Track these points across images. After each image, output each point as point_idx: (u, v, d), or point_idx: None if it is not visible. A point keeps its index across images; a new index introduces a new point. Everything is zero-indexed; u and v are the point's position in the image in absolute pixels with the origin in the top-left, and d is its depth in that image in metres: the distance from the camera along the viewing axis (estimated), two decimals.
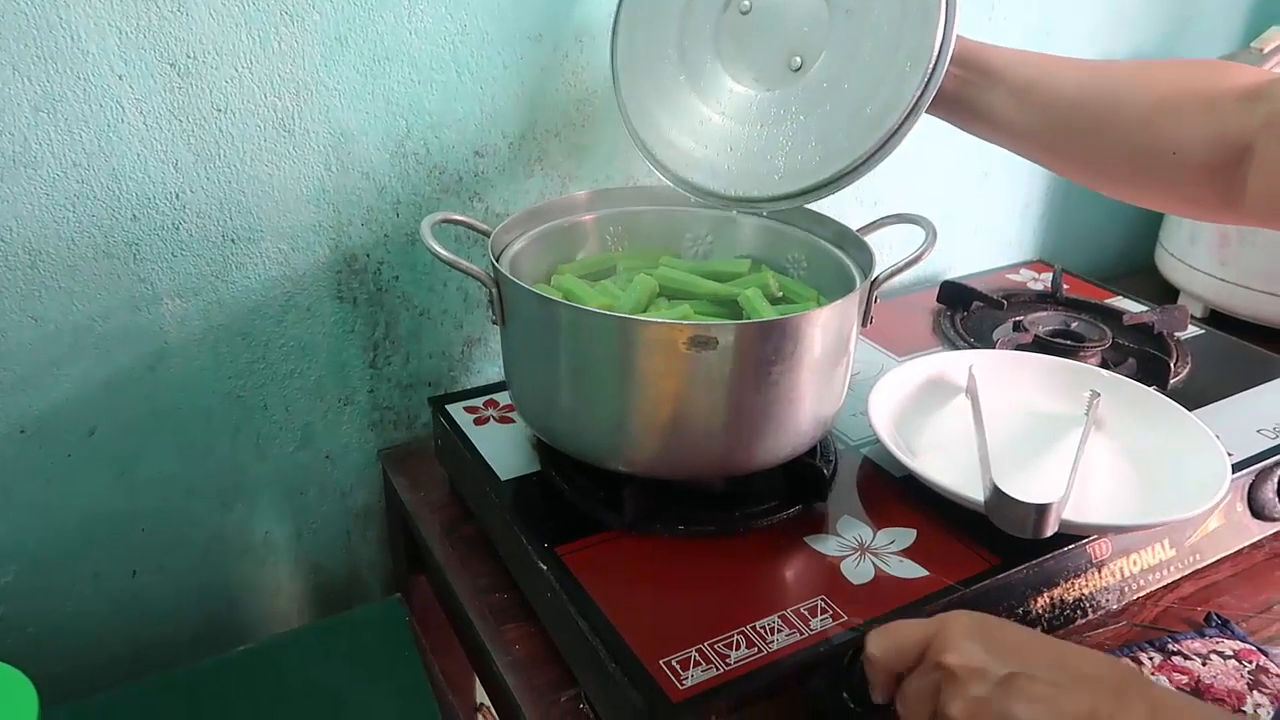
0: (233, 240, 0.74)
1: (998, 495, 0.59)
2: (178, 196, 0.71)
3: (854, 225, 0.73)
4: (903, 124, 0.63)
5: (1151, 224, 1.23)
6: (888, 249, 0.66)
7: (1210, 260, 1.10)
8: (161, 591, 0.82)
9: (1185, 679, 0.63)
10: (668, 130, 0.73)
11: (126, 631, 0.82)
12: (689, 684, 0.53)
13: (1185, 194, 0.62)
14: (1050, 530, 0.58)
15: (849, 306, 0.63)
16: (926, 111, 0.67)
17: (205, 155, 0.71)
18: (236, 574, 0.86)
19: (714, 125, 0.71)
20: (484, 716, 0.98)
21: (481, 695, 0.97)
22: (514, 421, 0.77)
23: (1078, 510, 0.62)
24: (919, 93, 0.62)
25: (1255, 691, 0.62)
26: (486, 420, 0.77)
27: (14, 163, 0.65)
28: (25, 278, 0.68)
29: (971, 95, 0.66)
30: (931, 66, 0.62)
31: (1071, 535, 0.64)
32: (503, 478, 0.70)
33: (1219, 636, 0.68)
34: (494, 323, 0.67)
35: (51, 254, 0.68)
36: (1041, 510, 0.57)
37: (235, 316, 0.76)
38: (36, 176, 0.66)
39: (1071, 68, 0.64)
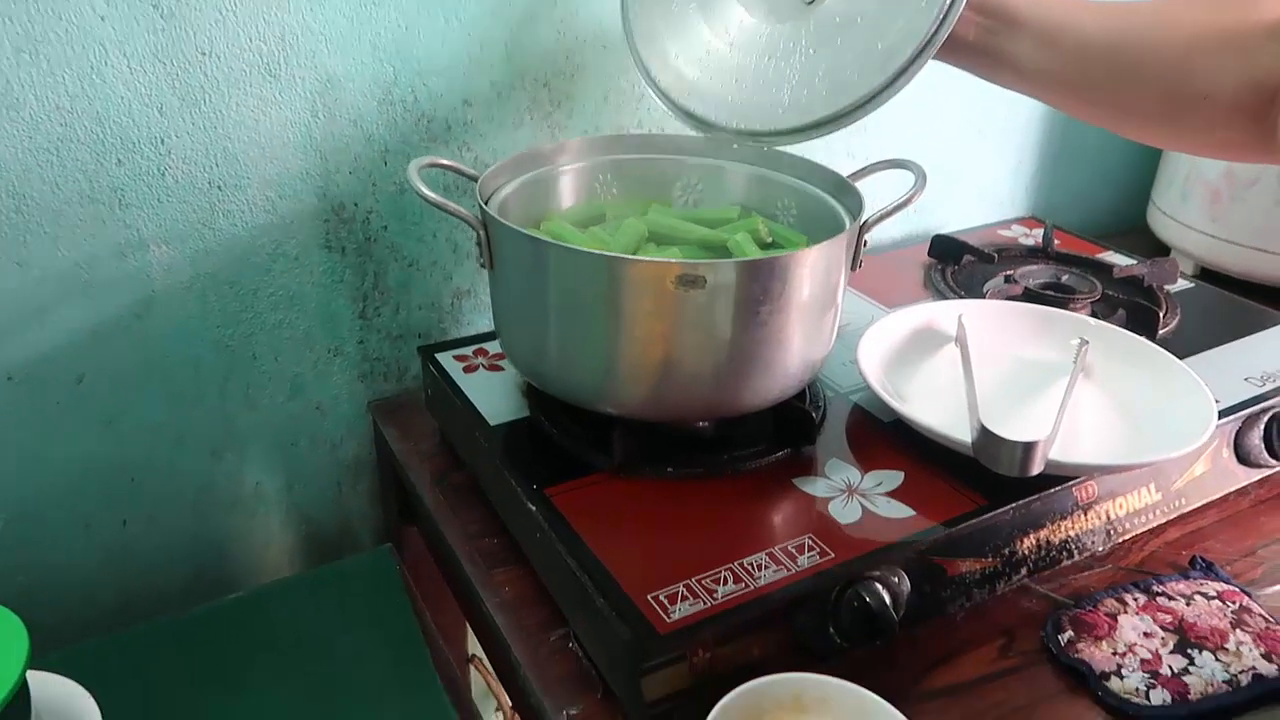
0: (219, 187, 0.74)
1: (985, 434, 0.59)
2: (163, 141, 0.70)
3: (844, 174, 0.73)
4: (914, 61, 0.63)
5: (1144, 183, 1.23)
6: (878, 201, 0.66)
7: (1202, 217, 1.10)
8: (152, 542, 0.82)
9: (1169, 618, 0.64)
10: (673, 58, 0.72)
11: (117, 582, 0.82)
12: (676, 617, 0.53)
13: (1219, 138, 0.61)
14: (1037, 469, 0.58)
15: (837, 248, 0.63)
16: (948, 62, 0.67)
17: (190, 100, 0.70)
18: (227, 525, 0.86)
19: (721, 55, 0.70)
20: (476, 667, 0.99)
21: (473, 646, 0.98)
22: (503, 369, 0.77)
23: (1065, 451, 0.63)
24: (934, 29, 0.62)
25: (1238, 630, 0.63)
26: (476, 368, 0.77)
27: None
28: (10, 222, 0.67)
29: (995, 43, 0.65)
30: (948, 2, 0.61)
31: (1058, 476, 0.64)
32: (492, 423, 0.71)
33: (1203, 579, 0.68)
34: (482, 266, 0.66)
35: (36, 199, 0.68)
36: (1028, 448, 0.57)
37: (223, 265, 0.76)
38: (19, 119, 0.65)
39: (1097, 10, 0.63)
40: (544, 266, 0.62)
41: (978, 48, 0.65)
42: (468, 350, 0.80)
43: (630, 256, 0.62)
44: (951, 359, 0.76)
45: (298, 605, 0.74)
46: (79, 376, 0.74)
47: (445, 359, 0.78)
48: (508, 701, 1.01)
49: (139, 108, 0.69)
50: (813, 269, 0.61)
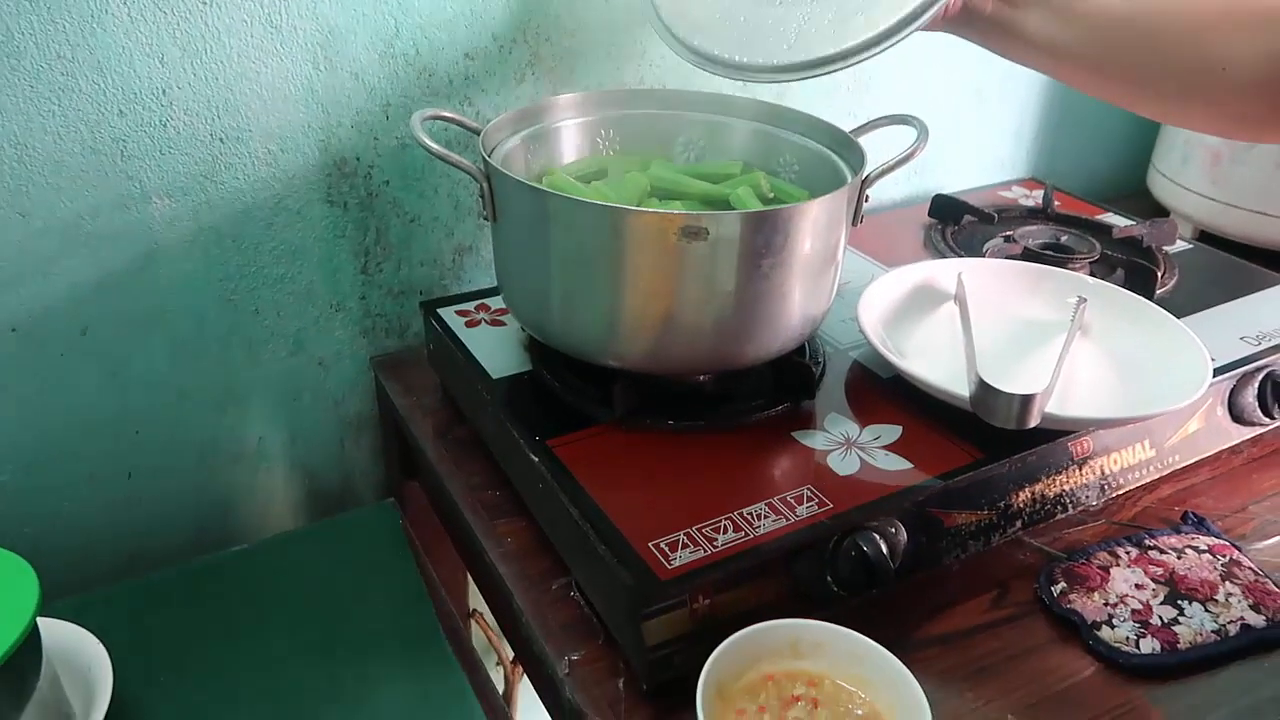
0: (221, 139, 0.74)
1: (983, 387, 0.60)
2: (164, 92, 0.70)
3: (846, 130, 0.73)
4: (923, 5, 0.62)
5: (1144, 147, 1.23)
6: (881, 157, 0.66)
7: (1202, 180, 1.10)
8: (156, 494, 0.83)
9: (1160, 570, 0.65)
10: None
11: (122, 533, 0.83)
12: (677, 564, 0.54)
13: (1233, 111, 0.61)
14: (1034, 421, 0.59)
15: (839, 202, 0.63)
16: (963, 35, 0.66)
17: (191, 50, 0.70)
18: (230, 479, 0.86)
19: None
20: (477, 622, 1.00)
21: (474, 601, 0.99)
22: (505, 324, 0.78)
23: (1061, 404, 0.63)
24: None
25: (1227, 582, 0.64)
26: (478, 323, 0.78)
27: None
28: (12, 172, 0.67)
29: (1009, 16, 0.65)
30: None
31: (1054, 430, 0.65)
32: (494, 377, 0.71)
33: (1194, 533, 0.69)
34: (485, 219, 0.66)
35: (38, 148, 0.67)
36: (1025, 400, 0.58)
37: (225, 218, 0.76)
38: (20, 67, 0.65)
39: None
40: (546, 218, 0.62)
41: (992, 21, 0.65)
42: (470, 305, 0.80)
43: (633, 208, 0.62)
44: (950, 316, 0.76)
45: (302, 559, 0.75)
46: (83, 328, 0.74)
47: (447, 314, 0.79)
48: (508, 654, 1.03)
49: (140, 57, 0.68)
50: (814, 222, 0.61)
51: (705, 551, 0.55)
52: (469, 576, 0.84)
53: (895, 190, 1.13)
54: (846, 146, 0.71)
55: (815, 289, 0.66)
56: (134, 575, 0.73)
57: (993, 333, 0.71)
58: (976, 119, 1.15)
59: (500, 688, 1.08)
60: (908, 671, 0.51)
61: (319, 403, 0.88)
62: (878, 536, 0.57)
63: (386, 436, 0.90)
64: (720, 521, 0.57)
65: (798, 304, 0.64)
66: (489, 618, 0.95)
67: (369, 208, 0.82)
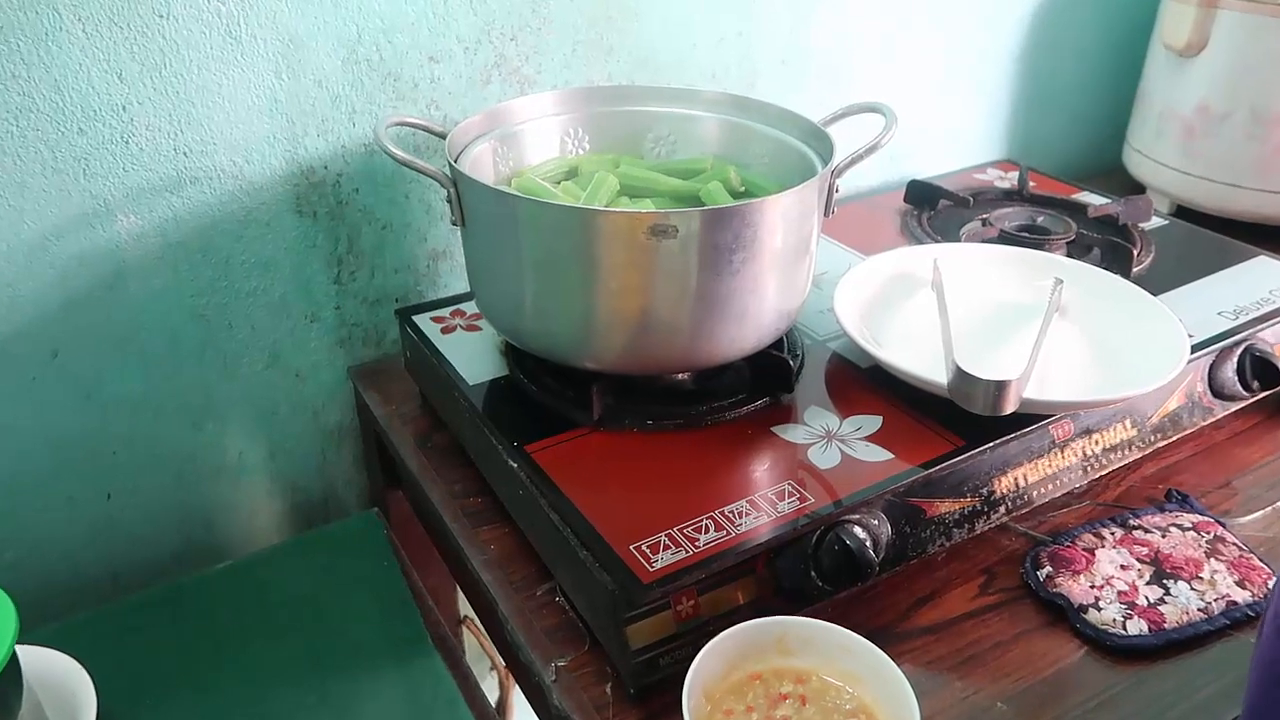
0: (185, 153, 0.73)
1: (959, 375, 0.60)
2: (124, 108, 0.69)
3: (816, 119, 0.72)
4: None
5: (1119, 122, 1.23)
6: (852, 147, 0.66)
7: (1176, 154, 1.10)
8: (137, 514, 0.82)
9: (1145, 550, 0.65)
10: None
11: (104, 554, 0.82)
12: (659, 566, 0.54)
13: None
14: (1011, 407, 0.59)
15: (809, 193, 0.63)
16: None
17: (150, 64, 0.69)
18: (212, 495, 0.86)
19: None
20: (469, 629, 1.00)
21: (465, 607, 0.99)
22: (481, 329, 0.77)
23: (1040, 390, 0.63)
24: None
25: (1212, 559, 0.64)
26: (454, 329, 0.77)
27: None
28: None
29: None
30: None
31: (1034, 416, 0.65)
32: (471, 383, 0.70)
33: (1178, 511, 0.69)
34: (454, 224, 0.66)
35: None
36: (1001, 387, 0.58)
37: (193, 233, 0.75)
38: None
39: None
40: (515, 221, 0.61)
41: None
42: (445, 311, 0.80)
43: (601, 208, 0.61)
44: (928, 303, 0.76)
45: (287, 572, 0.74)
46: (53, 351, 0.73)
47: (423, 321, 0.78)
48: (502, 662, 1.03)
49: (98, 74, 0.67)
50: (785, 215, 0.61)
51: (687, 552, 0.55)
52: (457, 585, 0.84)
53: (870, 176, 1.12)
54: (816, 137, 0.70)
55: (789, 282, 0.65)
56: (117, 595, 0.73)
57: (970, 319, 0.71)
58: (949, 103, 1.15)
59: (495, 694, 1.08)
60: (894, 665, 0.51)
61: (298, 415, 0.87)
62: (860, 529, 0.57)
63: (367, 446, 0.89)
64: (701, 521, 0.57)
65: (772, 298, 0.64)
66: (479, 623, 0.95)
67: (339, 216, 0.81)
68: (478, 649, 1.04)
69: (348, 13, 0.74)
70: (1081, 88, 1.26)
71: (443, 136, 0.69)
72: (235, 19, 0.70)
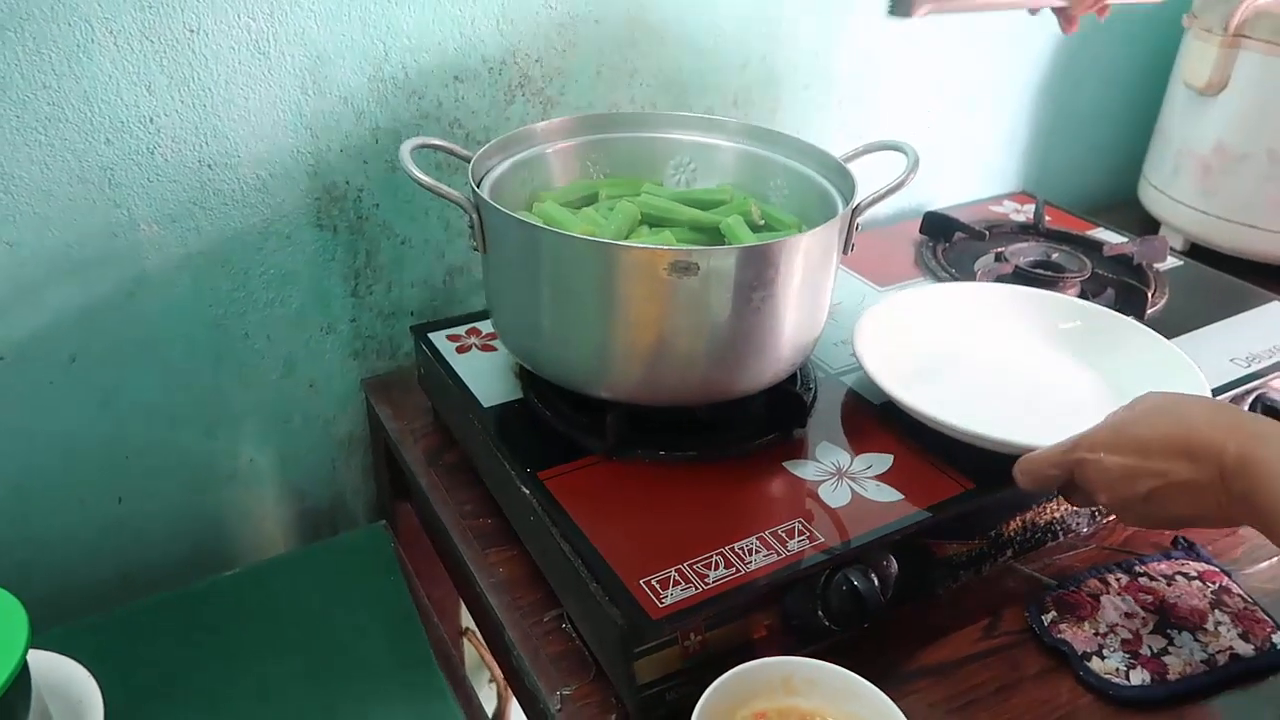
0: (209, 166, 0.73)
1: None
2: (151, 120, 0.70)
3: (837, 154, 0.72)
4: None
5: (1135, 157, 1.23)
6: (870, 179, 0.66)
7: (1192, 192, 1.10)
8: (148, 518, 0.83)
9: (1150, 599, 0.65)
10: None
11: (114, 557, 0.82)
12: (668, 602, 0.54)
13: None
14: None
15: (830, 233, 0.63)
16: None
17: (179, 78, 0.69)
18: (222, 501, 0.86)
19: None
20: (470, 640, 1.00)
21: (467, 619, 0.99)
22: (496, 349, 0.78)
23: (1057, 433, 0.62)
24: None
25: (1217, 610, 0.65)
26: (469, 348, 0.78)
27: None
28: (0, 202, 0.67)
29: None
30: None
31: None
32: (485, 405, 0.71)
33: (1184, 559, 0.70)
34: (475, 249, 0.66)
35: (25, 178, 0.67)
36: None
37: (214, 243, 0.76)
38: (6, 98, 0.65)
39: None
40: (538, 252, 0.62)
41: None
42: (460, 330, 0.80)
43: (624, 243, 0.62)
44: (945, 341, 0.76)
45: (295, 583, 0.75)
46: (71, 356, 0.74)
47: (438, 339, 0.79)
48: (500, 673, 1.03)
49: (127, 86, 0.68)
50: (805, 254, 0.61)
51: (697, 589, 0.55)
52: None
53: (886, 205, 1.11)
54: (837, 173, 0.71)
55: (807, 319, 0.66)
56: (128, 595, 0.73)
57: (985, 360, 0.71)
58: (967, 131, 1.15)
59: (492, 704, 1.08)
60: (899, 711, 0.51)
61: (310, 424, 0.88)
62: (869, 570, 0.57)
63: (377, 458, 0.89)
64: (711, 557, 0.57)
65: (789, 335, 0.64)
66: (480, 635, 0.95)
67: (359, 231, 0.82)
68: (477, 659, 1.05)
69: (376, 31, 0.75)
70: (1100, 120, 1.26)
71: (466, 160, 0.69)
72: (264, 35, 0.71)
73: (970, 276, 0.90)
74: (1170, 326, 0.81)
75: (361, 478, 0.93)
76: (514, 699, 1.05)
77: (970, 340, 0.72)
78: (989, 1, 0.64)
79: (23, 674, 0.55)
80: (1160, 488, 0.54)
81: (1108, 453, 0.56)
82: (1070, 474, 0.59)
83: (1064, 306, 0.79)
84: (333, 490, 0.92)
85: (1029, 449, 0.61)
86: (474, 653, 1.01)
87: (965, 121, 1.14)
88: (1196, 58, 1.06)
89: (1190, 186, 1.10)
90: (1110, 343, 0.76)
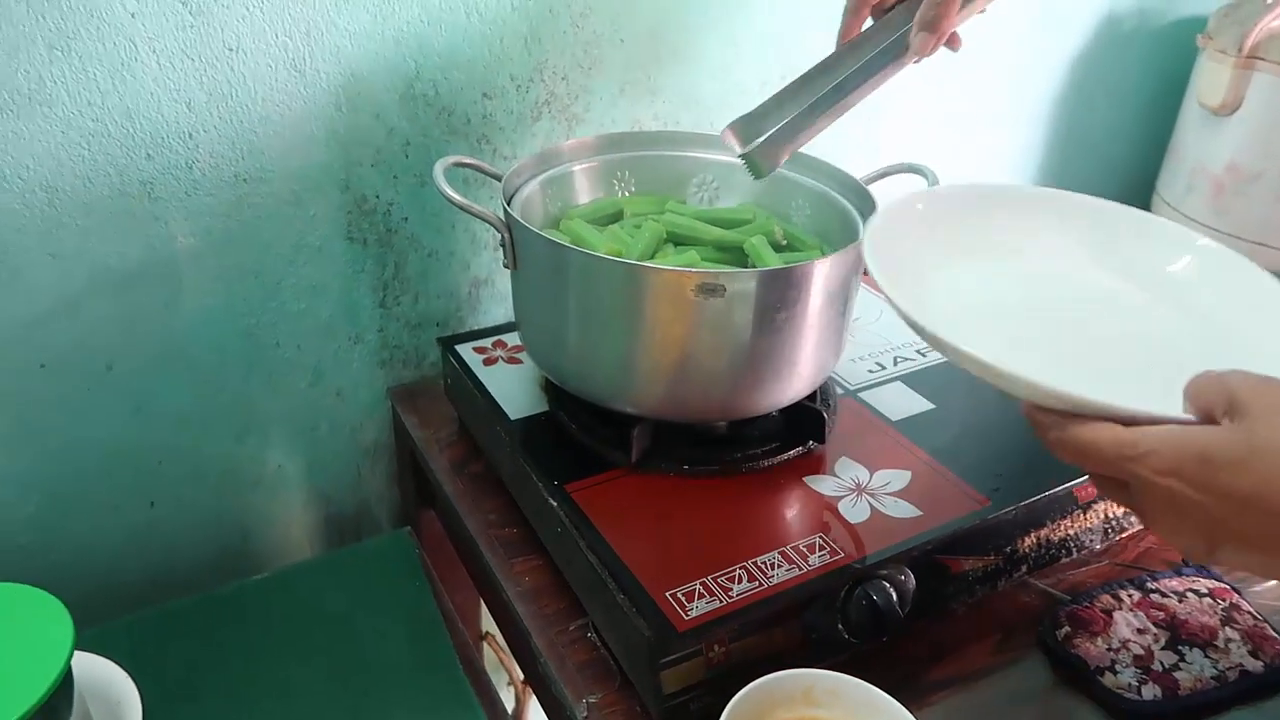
0: (245, 180, 0.75)
1: None
2: (191, 136, 0.72)
3: (857, 174, 0.74)
4: None
5: (1149, 175, 1.24)
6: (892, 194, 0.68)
7: (1205, 210, 1.11)
8: (177, 522, 0.84)
9: (1162, 615, 0.67)
10: None
11: (144, 560, 0.84)
12: (694, 614, 0.56)
13: None
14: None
15: (852, 256, 0.65)
16: None
17: (218, 95, 0.71)
18: (249, 506, 0.88)
19: None
20: (489, 644, 1.02)
21: (487, 624, 1.01)
22: (522, 362, 0.79)
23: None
24: None
25: (1227, 627, 0.66)
26: (495, 360, 0.79)
27: (30, 100, 0.65)
28: (43, 215, 0.69)
29: None
30: None
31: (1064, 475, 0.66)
32: (512, 417, 0.73)
33: (1195, 575, 0.71)
34: (506, 266, 0.68)
35: (68, 192, 0.69)
36: None
37: (248, 256, 0.78)
38: (52, 114, 0.66)
39: None
40: (567, 270, 0.63)
41: None
42: (487, 342, 0.82)
43: (653, 265, 0.64)
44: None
45: (321, 588, 0.76)
46: (109, 364, 0.76)
47: (465, 351, 0.80)
48: (519, 675, 1.05)
49: (168, 103, 0.70)
50: (828, 277, 0.63)
51: (721, 602, 0.57)
52: (482, 601, 0.86)
53: None
54: (858, 194, 0.72)
55: (829, 339, 0.67)
56: (155, 598, 0.75)
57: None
58: (983, 148, 1.16)
59: (510, 705, 1.10)
60: None
61: (337, 432, 0.89)
62: (888, 585, 0.59)
63: (402, 466, 0.91)
64: (735, 571, 0.59)
65: (811, 354, 0.66)
66: (500, 639, 0.97)
67: (388, 243, 0.83)
68: (495, 661, 1.06)
69: (408, 50, 0.77)
70: (1114, 138, 1.27)
71: (497, 178, 0.71)
72: (301, 54, 0.73)
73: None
74: None
75: (386, 485, 0.95)
76: (531, 700, 1.06)
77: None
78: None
79: (67, 676, 0.57)
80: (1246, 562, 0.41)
81: (1183, 484, 0.40)
82: (1123, 478, 0.44)
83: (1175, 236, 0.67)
84: (357, 497, 0.94)
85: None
86: (492, 656, 1.03)
87: (981, 139, 1.15)
88: (1210, 78, 1.07)
89: (1203, 205, 1.11)
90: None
